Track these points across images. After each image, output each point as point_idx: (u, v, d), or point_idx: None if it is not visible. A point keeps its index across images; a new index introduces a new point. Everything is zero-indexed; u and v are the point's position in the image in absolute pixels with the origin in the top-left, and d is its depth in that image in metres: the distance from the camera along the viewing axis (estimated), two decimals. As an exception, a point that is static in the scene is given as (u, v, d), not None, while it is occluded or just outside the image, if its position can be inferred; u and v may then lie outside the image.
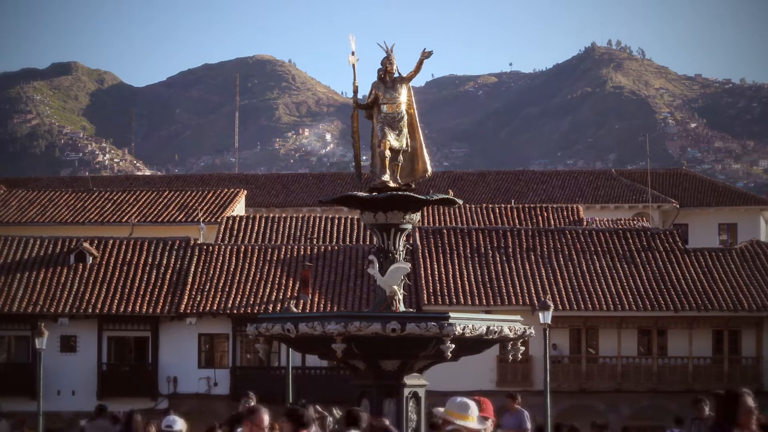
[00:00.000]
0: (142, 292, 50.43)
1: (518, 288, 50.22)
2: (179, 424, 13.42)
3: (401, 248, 21.18)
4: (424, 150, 21.96)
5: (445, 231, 54.10)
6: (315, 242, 55.31)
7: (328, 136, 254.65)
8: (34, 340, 44.67)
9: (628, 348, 50.51)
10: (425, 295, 49.44)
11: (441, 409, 9.95)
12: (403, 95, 21.60)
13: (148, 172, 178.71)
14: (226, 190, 64.05)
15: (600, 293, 50.31)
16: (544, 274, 51.05)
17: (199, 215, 58.13)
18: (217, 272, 51.34)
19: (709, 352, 50.65)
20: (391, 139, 21.27)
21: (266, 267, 51.68)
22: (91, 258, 51.86)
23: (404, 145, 21.48)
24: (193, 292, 50.38)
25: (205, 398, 49.87)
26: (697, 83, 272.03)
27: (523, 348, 21.48)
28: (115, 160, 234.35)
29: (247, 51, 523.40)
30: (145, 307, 49.84)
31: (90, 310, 49.76)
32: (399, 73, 21.65)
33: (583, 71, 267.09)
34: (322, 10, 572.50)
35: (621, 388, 49.82)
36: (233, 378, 50.04)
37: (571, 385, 49.58)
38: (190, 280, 50.83)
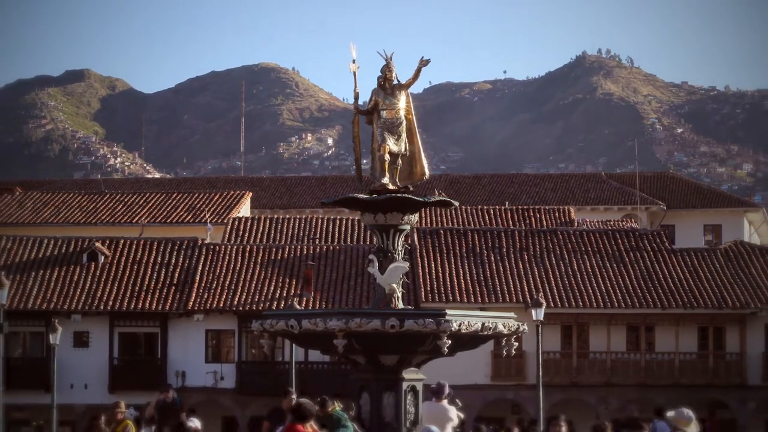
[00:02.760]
0: (151, 290, 50.41)
1: (512, 286, 50.21)
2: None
3: (400, 248, 21.18)
4: (422, 154, 21.97)
5: (442, 231, 54.10)
6: (317, 242, 55.28)
7: (330, 141, 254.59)
8: (48, 336, 44.66)
9: (617, 344, 50.51)
10: (423, 293, 49.42)
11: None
12: (402, 101, 21.61)
13: (157, 175, 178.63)
14: (232, 192, 64.01)
15: (590, 291, 50.30)
16: (536, 272, 51.04)
17: (207, 216, 58.10)
18: (224, 271, 51.32)
19: (695, 348, 50.62)
20: (391, 144, 21.27)
21: (270, 266, 51.66)
22: (102, 257, 51.85)
23: (403, 149, 21.48)
24: (201, 290, 50.37)
25: (211, 392, 49.87)
26: (684, 90, 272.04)
27: (516, 344, 21.46)
28: (126, 163, 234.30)
29: (253, 59, 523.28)
30: (154, 305, 49.82)
31: (102, 307, 49.76)
32: (398, 80, 21.65)
33: (574, 78, 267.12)
34: (324, 19, 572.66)
35: (610, 382, 49.80)
36: (239, 372, 50.02)
37: (562, 380, 49.57)
38: (197, 278, 50.81)
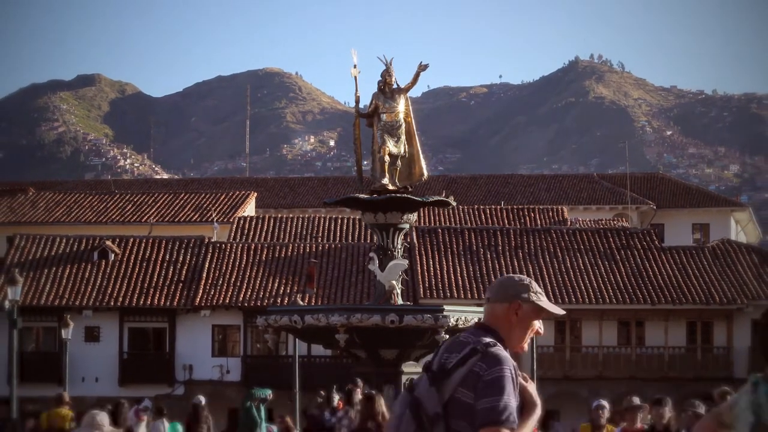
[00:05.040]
0: (160, 287, 50.41)
1: (507, 283, 50.11)
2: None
3: (399, 246, 21.21)
4: (421, 155, 22.00)
5: (439, 230, 54.09)
6: (320, 241, 55.28)
7: (332, 143, 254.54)
8: (60, 331, 44.67)
9: (609, 338, 50.51)
10: (421, 290, 49.42)
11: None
12: (401, 105, 21.64)
13: (165, 176, 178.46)
14: (237, 192, 63.98)
15: (583, 288, 50.29)
16: (531, 270, 51.01)
17: (213, 216, 58.09)
18: (229, 268, 51.32)
19: (684, 342, 50.64)
20: (390, 146, 21.30)
21: (274, 263, 51.66)
22: (113, 255, 51.85)
23: (402, 151, 21.51)
24: (207, 287, 50.37)
25: (218, 384, 49.87)
26: (673, 94, 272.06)
27: (511, 338, 21.45)
28: (135, 164, 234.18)
29: (258, 64, 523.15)
30: (162, 301, 49.82)
31: (112, 303, 49.77)
32: (397, 85, 21.68)
33: (567, 83, 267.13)
34: (326, 26, 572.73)
35: (602, 375, 49.79)
36: (244, 366, 50.03)
37: (556, 373, 49.55)
38: (204, 275, 50.81)
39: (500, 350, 5.43)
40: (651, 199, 73.06)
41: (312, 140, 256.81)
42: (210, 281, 50.63)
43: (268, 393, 25.88)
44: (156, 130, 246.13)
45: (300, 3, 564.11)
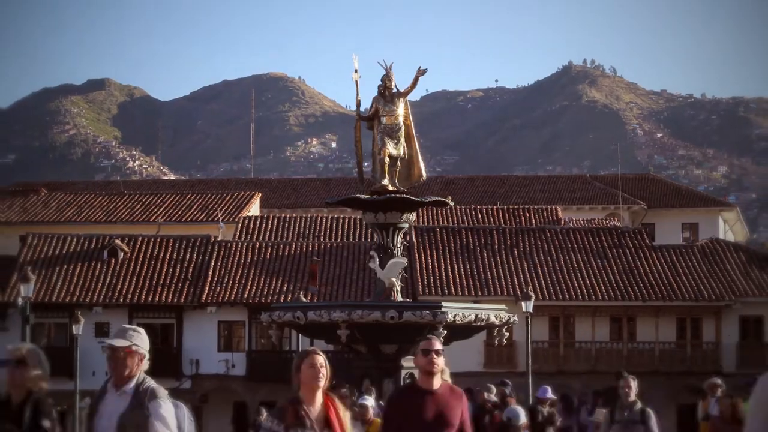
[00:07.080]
0: (167, 284, 50.40)
1: (503, 280, 50.18)
2: None
3: (399, 245, 21.22)
4: (420, 157, 22.00)
5: (438, 229, 54.08)
6: (322, 239, 55.26)
7: (333, 145, 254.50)
8: (71, 327, 44.66)
9: (601, 334, 50.51)
10: (420, 287, 49.40)
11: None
12: (401, 108, 21.65)
13: (173, 177, 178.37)
14: (242, 192, 63.96)
15: (576, 285, 50.28)
16: (526, 268, 51.02)
17: (219, 215, 58.07)
18: (235, 266, 51.31)
19: (674, 338, 50.63)
20: (390, 148, 21.31)
21: (278, 262, 51.65)
22: (122, 253, 51.84)
23: (402, 153, 21.52)
24: (213, 284, 50.35)
25: (224, 378, 49.86)
26: (663, 97, 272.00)
27: (507, 334, 21.47)
28: (144, 166, 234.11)
29: (262, 69, 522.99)
30: (170, 298, 49.81)
31: (121, 300, 49.76)
32: (397, 89, 21.70)
33: (561, 87, 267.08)
34: (328, 32, 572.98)
35: (595, 369, 49.77)
36: (249, 360, 50.01)
37: (550, 368, 49.54)
38: (210, 273, 50.80)
39: None
40: (642, 199, 73.03)
41: (314, 142, 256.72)
42: (216, 279, 50.62)
43: None
44: (164, 133, 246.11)
45: (303, 10, 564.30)
